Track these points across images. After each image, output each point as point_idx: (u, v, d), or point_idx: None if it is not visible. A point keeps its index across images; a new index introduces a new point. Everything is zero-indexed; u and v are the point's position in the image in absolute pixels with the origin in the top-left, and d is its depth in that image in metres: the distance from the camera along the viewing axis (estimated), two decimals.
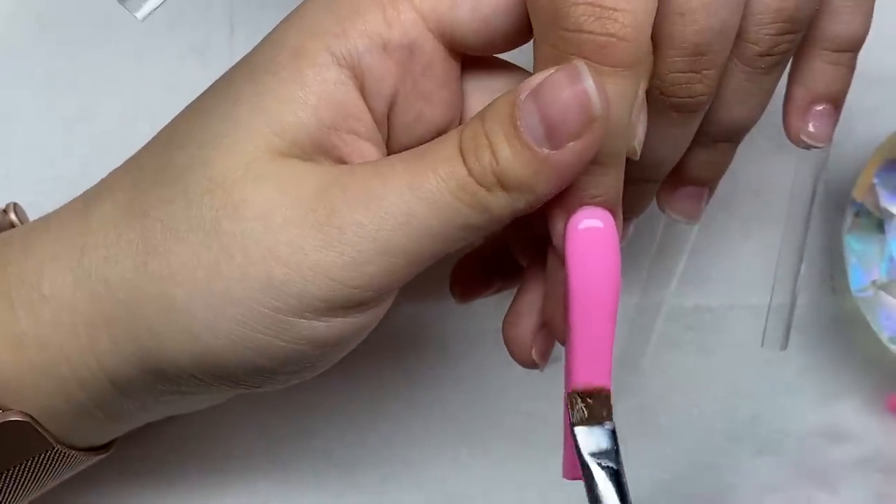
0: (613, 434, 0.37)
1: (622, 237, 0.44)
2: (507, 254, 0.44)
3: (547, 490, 0.50)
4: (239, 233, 0.36)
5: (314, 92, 0.37)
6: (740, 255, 0.52)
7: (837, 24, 0.42)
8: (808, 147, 0.44)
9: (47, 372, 0.39)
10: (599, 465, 0.36)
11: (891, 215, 0.50)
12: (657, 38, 0.38)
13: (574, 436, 0.36)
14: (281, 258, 0.36)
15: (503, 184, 0.35)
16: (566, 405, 0.37)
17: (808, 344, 0.52)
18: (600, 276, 0.37)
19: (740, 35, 0.39)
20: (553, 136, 0.35)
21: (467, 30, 0.38)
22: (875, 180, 0.50)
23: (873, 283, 0.50)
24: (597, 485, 0.36)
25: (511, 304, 0.42)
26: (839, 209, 0.51)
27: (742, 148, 0.42)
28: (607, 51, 0.35)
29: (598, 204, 0.37)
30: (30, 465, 0.41)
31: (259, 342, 0.37)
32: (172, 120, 0.40)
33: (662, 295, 0.48)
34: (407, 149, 0.38)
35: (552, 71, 0.35)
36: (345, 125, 0.38)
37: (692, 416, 0.52)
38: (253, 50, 0.39)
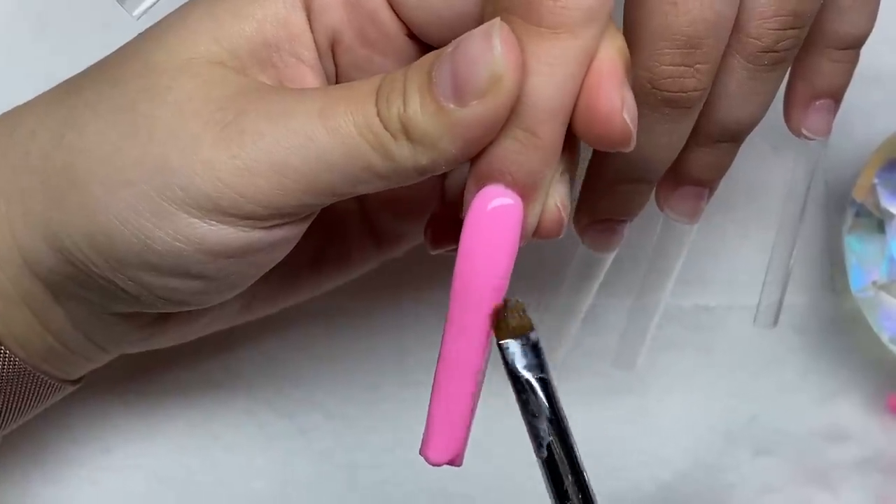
0: (538, 344, 0.35)
1: (612, 241, 0.44)
2: None
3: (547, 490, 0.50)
4: (150, 115, 0.37)
5: (262, 7, 0.38)
6: (739, 255, 0.52)
7: (844, 24, 0.41)
8: (808, 139, 0.44)
9: None
10: (531, 377, 0.35)
11: (891, 215, 0.50)
12: (649, 29, 0.37)
13: (503, 351, 0.35)
14: (178, 146, 0.36)
15: (408, 133, 0.35)
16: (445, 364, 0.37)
17: (807, 344, 0.52)
18: (482, 256, 0.36)
19: (742, 30, 0.39)
20: (459, 93, 0.35)
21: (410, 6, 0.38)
22: (875, 180, 0.50)
23: (873, 283, 0.50)
24: (533, 399, 0.35)
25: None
26: (839, 209, 0.51)
27: (739, 149, 0.42)
28: (534, 8, 0.34)
29: (506, 183, 0.36)
30: None
31: (146, 231, 0.37)
32: None
33: (659, 296, 0.48)
34: None
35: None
36: (287, 46, 0.39)
37: (692, 416, 0.52)
38: None
